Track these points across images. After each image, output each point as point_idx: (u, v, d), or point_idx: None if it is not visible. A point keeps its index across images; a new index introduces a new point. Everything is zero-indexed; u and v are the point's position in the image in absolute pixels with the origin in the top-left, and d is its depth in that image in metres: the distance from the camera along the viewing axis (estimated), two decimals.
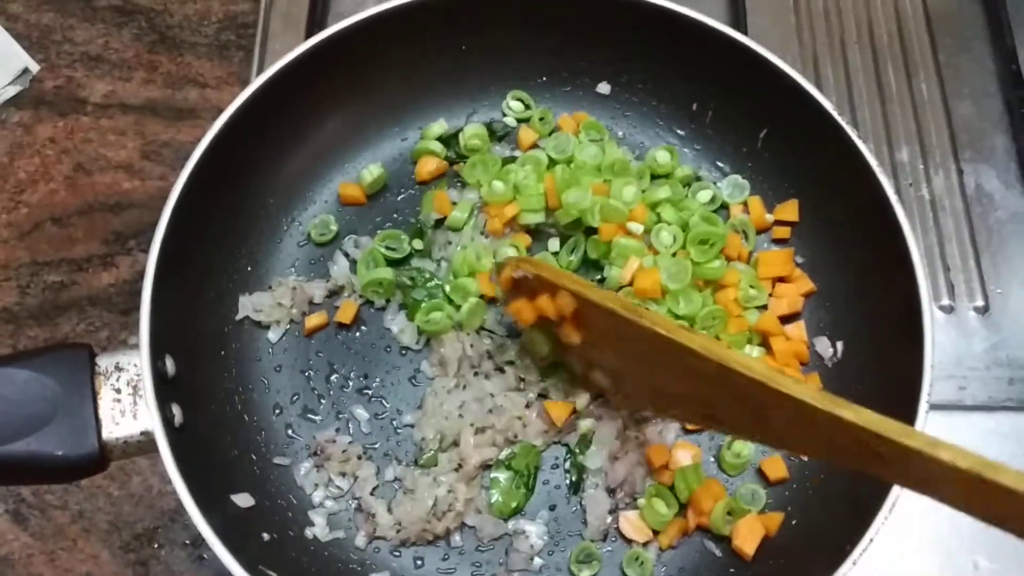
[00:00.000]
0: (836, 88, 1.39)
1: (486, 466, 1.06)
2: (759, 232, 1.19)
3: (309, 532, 1.05)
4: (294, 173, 1.16)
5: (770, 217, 1.18)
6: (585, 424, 1.08)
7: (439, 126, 1.23)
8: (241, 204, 1.11)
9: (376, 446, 1.10)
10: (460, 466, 1.05)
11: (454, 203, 1.19)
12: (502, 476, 1.07)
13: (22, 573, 1.23)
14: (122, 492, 1.28)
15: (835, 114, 1.07)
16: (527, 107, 1.25)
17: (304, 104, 1.13)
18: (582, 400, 1.08)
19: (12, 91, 1.49)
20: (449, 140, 1.23)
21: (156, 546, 1.26)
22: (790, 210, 1.16)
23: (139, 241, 1.40)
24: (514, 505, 1.06)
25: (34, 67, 1.51)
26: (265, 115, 1.09)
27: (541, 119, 1.23)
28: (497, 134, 1.23)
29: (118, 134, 1.48)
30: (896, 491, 0.89)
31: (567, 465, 1.08)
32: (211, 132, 1.03)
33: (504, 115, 1.25)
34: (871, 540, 0.89)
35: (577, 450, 1.08)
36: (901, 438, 0.69)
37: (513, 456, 1.07)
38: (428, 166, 1.21)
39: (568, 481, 1.07)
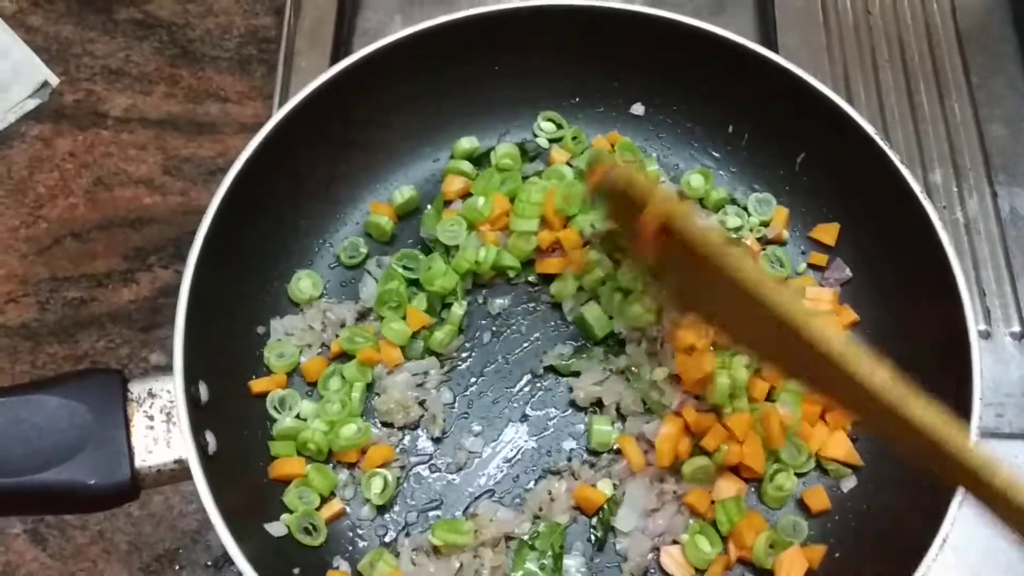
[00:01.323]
0: (868, 107, 1.37)
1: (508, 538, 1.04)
2: (771, 243, 1.18)
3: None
4: (326, 195, 1.15)
5: (786, 233, 1.18)
6: (605, 487, 1.06)
7: (468, 142, 1.21)
8: (273, 226, 1.09)
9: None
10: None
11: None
12: (532, 564, 1.02)
13: None
14: (143, 512, 1.27)
15: (877, 138, 1.05)
16: (559, 127, 1.24)
17: (337, 125, 1.12)
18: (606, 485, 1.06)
19: (32, 104, 1.48)
20: (480, 159, 1.21)
21: (177, 567, 1.24)
22: (830, 232, 1.15)
23: (160, 257, 1.38)
24: None
25: (54, 80, 1.49)
26: (298, 136, 1.07)
27: (574, 139, 1.22)
28: (529, 154, 1.22)
29: (138, 148, 1.47)
30: (946, 527, 0.88)
31: (593, 522, 1.05)
32: (245, 153, 1.02)
33: (535, 136, 1.23)
34: None
35: (605, 510, 1.05)
36: (962, 453, 0.69)
37: (537, 535, 1.03)
38: (454, 185, 1.19)
39: (593, 538, 1.05)
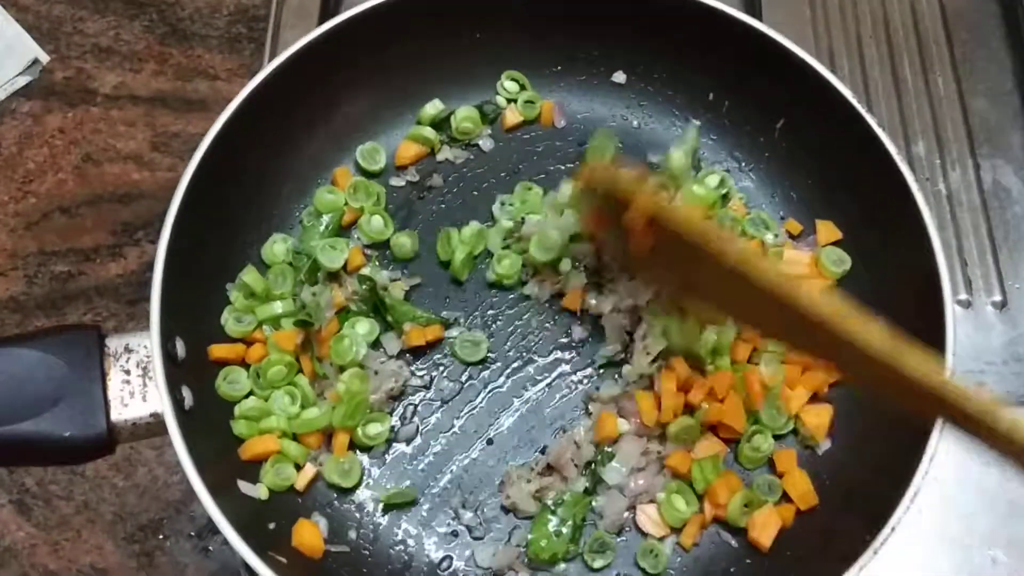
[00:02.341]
0: (852, 81, 1.38)
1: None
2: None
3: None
4: (307, 160, 1.15)
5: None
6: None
7: (433, 107, 1.20)
8: (254, 189, 1.10)
9: None
10: None
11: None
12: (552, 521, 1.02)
13: (25, 564, 1.22)
14: (127, 483, 1.27)
15: (854, 101, 1.05)
16: (522, 88, 1.23)
17: (318, 90, 1.12)
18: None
19: (22, 82, 1.49)
20: (442, 124, 1.21)
21: (161, 537, 1.24)
22: (827, 230, 1.15)
23: (148, 232, 1.39)
24: (554, 554, 1.01)
25: (44, 58, 1.50)
26: (279, 100, 1.07)
27: (528, 102, 1.22)
28: (488, 116, 1.21)
29: (128, 125, 1.48)
30: (917, 483, 0.88)
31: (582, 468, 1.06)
32: (225, 114, 1.02)
33: (497, 93, 1.23)
34: (892, 530, 0.87)
35: (597, 459, 1.06)
36: (949, 393, 0.72)
37: (561, 503, 1.03)
38: (409, 151, 1.20)
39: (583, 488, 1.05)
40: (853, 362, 0.78)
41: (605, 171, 1.01)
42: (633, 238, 0.94)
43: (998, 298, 1.26)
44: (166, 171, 1.44)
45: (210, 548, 1.24)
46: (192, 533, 1.25)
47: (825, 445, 1.05)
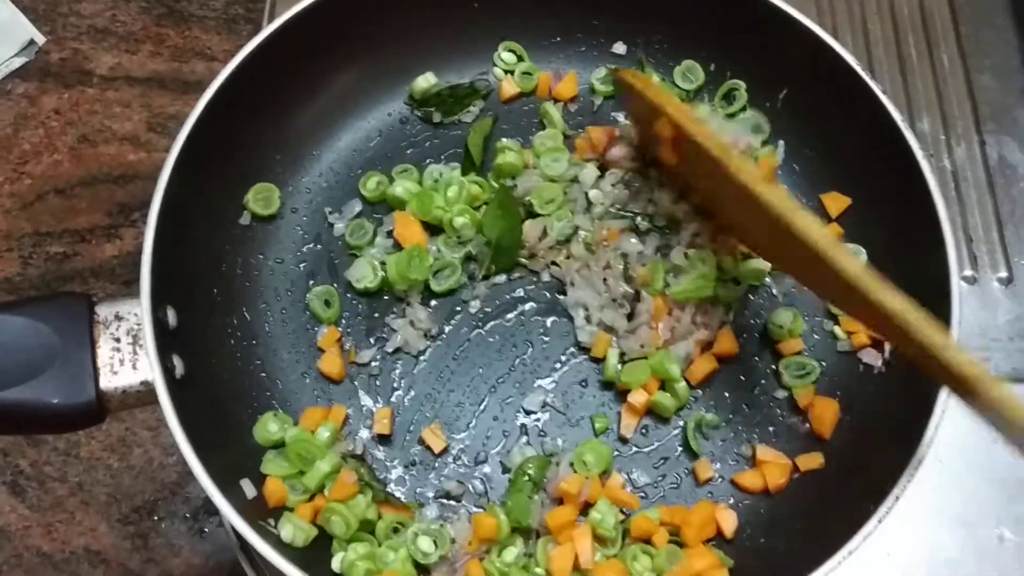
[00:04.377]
0: (856, 56, 1.35)
1: None
2: None
3: None
4: (302, 130, 1.13)
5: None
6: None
7: (425, 80, 1.18)
8: (247, 159, 1.08)
9: None
10: None
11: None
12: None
13: (19, 545, 1.21)
14: (122, 464, 1.26)
15: (859, 69, 1.04)
16: (520, 59, 1.21)
17: (307, 62, 1.10)
18: None
19: (18, 63, 1.48)
20: (431, 100, 1.18)
21: (156, 519, 1.23)
22: (835, 202, 1.13)
23: (143, 213, 1.37)
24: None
25: (40, 39, 1.49)
26: (273, 68, 1.06)
27: (526, 73, 1.19)
28: (480, 92, 1.19)
29: (124, 106, 1.47)
30: (921, 452, 0.87)
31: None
32: (218, 80, 1.01)
33: (495, 65, 1.21)
34: (896, 499, 0.85)
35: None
36: (925, 335, 0.77)
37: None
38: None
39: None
40: (841, 292, 0.83)
41: (637, 77, 1.07)
42: (663, 147, 1.00)
43: (1004, 274, 1.25)
44: (162, 152, 1.42)
45: (205, 530, 1.22)
46: (187, 515, 1.23)
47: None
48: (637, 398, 1.01)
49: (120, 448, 1.26)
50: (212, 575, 1.21)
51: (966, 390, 0.75)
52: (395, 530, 0.96)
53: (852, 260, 0.83)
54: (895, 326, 0.79)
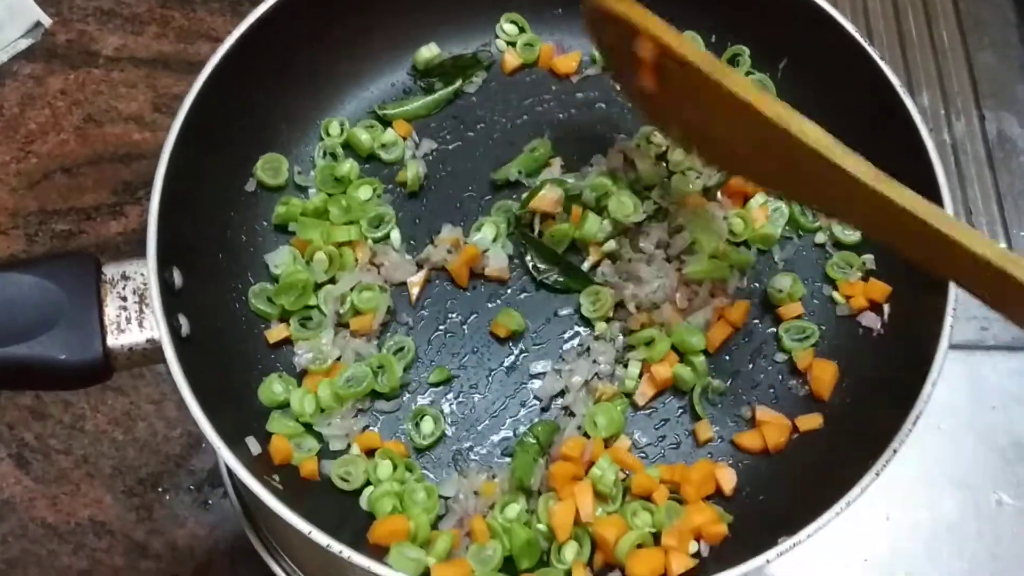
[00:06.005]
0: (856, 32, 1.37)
1: None
2: None
3: None
4: (305, 102, 1.14)
5: None
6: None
7: (428, 50, 1.17)
8: (252, 128, 1.08)
9: None
10: None
11: None
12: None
13: (24, 517, 1.22)
14: (127, 437, 1.27)
15: (859, 37, 1.04)
16: (522, 31, 1.20)
17: (308, 34, 1.10)
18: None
19: (24, 44, 1.49)
20: (434, 70, 1.18)
21: (160, 491, 1.24)
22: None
23: (148, 191, 1.37)
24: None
25: (47, 21, 1.51)
26: (275, 41, 1.06)
27: (528, 44, 1.19)
28: (483, 63, 1.18)
29: (129, 87, 1.48)
30: (920, 406, 0.87)
31: None
32: (224, 45, 1.02)
33: (497, 36, 1.20)
34: (894, 452, 0.86)
35: None
36: (935, 221, 0.75)
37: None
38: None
39: None
40: (847, 204, 0.83)
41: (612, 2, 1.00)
42: (643, 71, 0.95)
43: (1003, 246, 1.24)
44: (167, 132, 1.43)
45: (209, 501, 1.23)
46: (191, 487, 1.24)
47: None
48: (661, 372, 1.01)
49: (125, 421, 1.27)
50: (217, 546, 1.21)
51: (982, 277, 0.73)
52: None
53: (854, 158, 0.81)
54: (902, 223, 0.77)
